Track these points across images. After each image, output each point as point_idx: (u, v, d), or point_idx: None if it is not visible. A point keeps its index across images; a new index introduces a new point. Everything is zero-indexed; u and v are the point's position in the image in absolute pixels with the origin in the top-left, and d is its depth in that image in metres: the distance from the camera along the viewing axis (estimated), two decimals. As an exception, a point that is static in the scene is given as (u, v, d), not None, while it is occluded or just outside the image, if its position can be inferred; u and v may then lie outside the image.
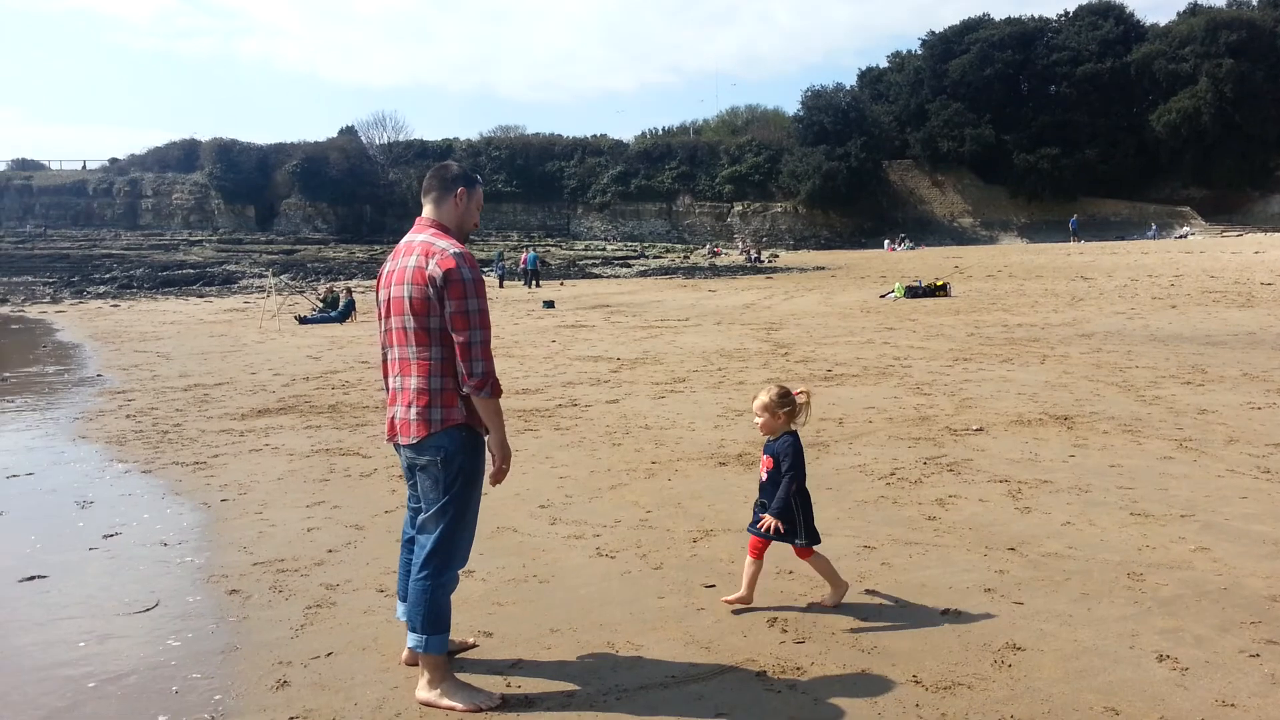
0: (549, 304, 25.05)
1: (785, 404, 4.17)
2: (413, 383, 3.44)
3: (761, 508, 4.16)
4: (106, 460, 7.89)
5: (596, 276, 42.06)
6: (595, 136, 68.72)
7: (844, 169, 58.46)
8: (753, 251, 50.77)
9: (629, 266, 47.92)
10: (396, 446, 3.57)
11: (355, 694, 3.51)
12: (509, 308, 24.81)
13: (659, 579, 4.64)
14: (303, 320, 22.35)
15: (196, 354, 16.48)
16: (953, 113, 60.01)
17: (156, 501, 6.53)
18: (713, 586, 4.46)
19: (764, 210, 62.79)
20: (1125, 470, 6.47)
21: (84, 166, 72.00)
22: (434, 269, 3.35)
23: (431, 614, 3.40)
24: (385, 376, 3.64)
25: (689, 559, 4.92)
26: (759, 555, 4.18)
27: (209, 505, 6.34)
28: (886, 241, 54.59)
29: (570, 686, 3.52)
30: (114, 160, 71.75)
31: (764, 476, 4.20)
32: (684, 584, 4.53)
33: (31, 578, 4.94)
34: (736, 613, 4.17)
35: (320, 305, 24.02)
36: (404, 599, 3.70)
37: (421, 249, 3.43)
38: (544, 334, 17.80)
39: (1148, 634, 3.85)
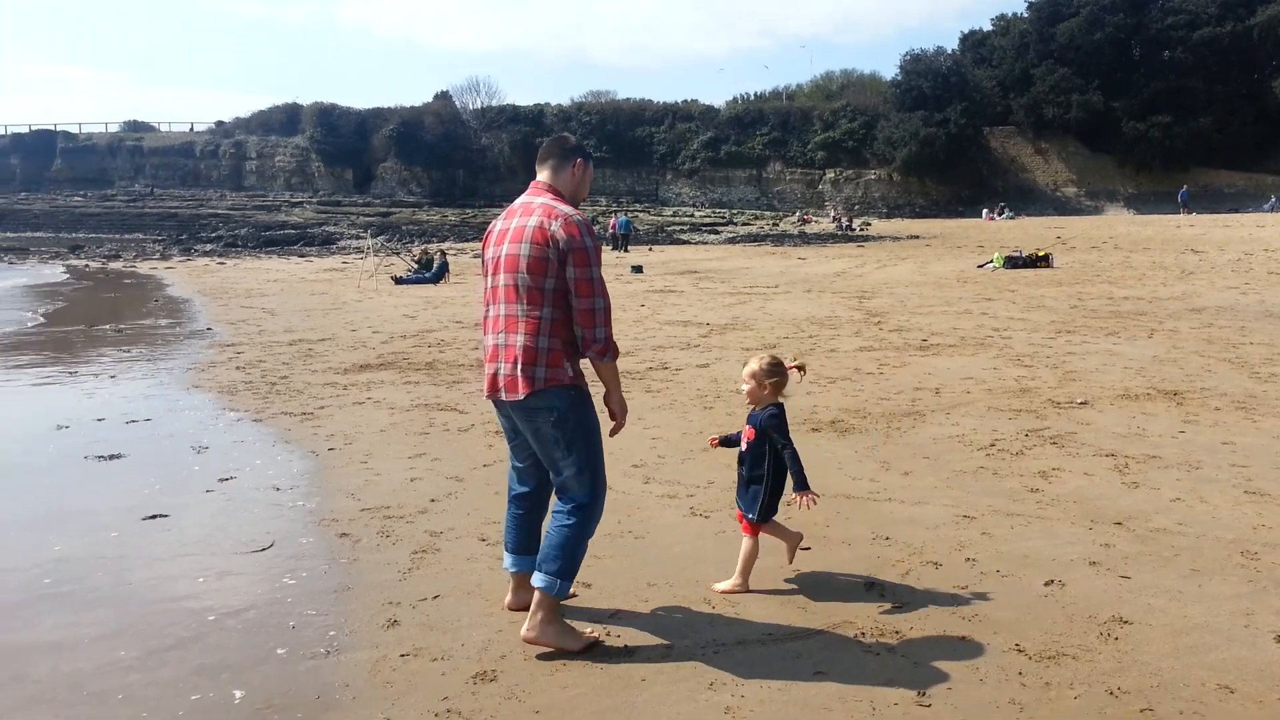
0: (637, 269, 25.10)
1: (774, 374, 4.06)
2: (519, 340, 3.46)
3: (744, 480, 4.07)
4: (219, 409, 8.26)
5: (684, 243, 41.94)
6: (686, 102, 68.19)
7: (942, 135, 56.81)
8: (844, 219, 49.89)
9: (717, 233, 47.63)
10: (497, 403, 3.60)
11: (462, 635, 3.64)
12: (598, 272, 24.91)
13: (753, 540, 4.65)
14: (399, 281, 22.87)
15: (299, 311, 17.04)
16: (1059, 78, 57.59)
17: (268, 449, 6.82)
18: (808, 549, 4.46)
19: (857, 177, 61.57)
20: (1239, 448, 6.21)
21: (191, 129, 74.62)
22: (558, 232, 3.41)
23: (570, 560, 3.53)
24: (486, 334, 3.62)
25: (783, 522, 4.90)
26: (754, 534, 4.07)
27: (317, 454, 6.59)
28: (984, 210, 52.98)
29: (668, 639, 3.58)
30: (220, 123, 74.17)
31: (743, 446, 4.09)
32: (778, 546, 4.53)
33: (153, 516, 5.23)
34: (834, 577, 4.16)
35: (415, 267, 24.53)
36: (514, 550, 3.79)
37: (543, 211, 3.48)
38: (633, 298, 17.86)
39: (1264, 613, 3.71)
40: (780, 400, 4.10)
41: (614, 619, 3.77)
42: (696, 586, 4.08)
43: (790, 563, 4.24)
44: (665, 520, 4.94)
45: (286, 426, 7.48)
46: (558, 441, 3.51)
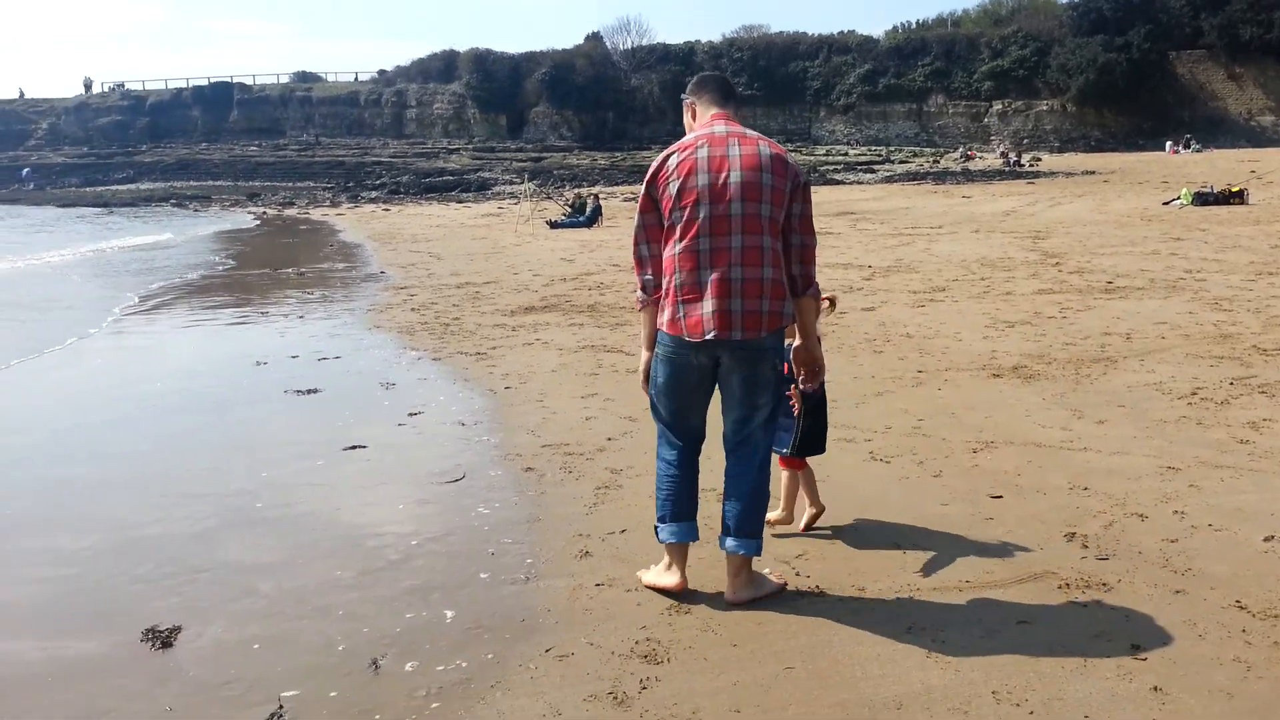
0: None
1: None
2: (768, 274, 3.26)
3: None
4: (400, 348, 8.67)
5: (838, 183, 40.82)
6: (842, 33, 65.64)
7: (1123, 61, 52.69)
8: (1011, 155, 47.24)
9: (873, 172, 46.09)
10: (705, 344, 3.27)
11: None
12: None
13: (939, 487, 4.54)
14: (553, 225, 23.26)
15: (463, 255, 17.60)
16: (1260, -8, 52.29)
17: (449, 386, 7.12)
18: (999, 498, 4.32)
19: (1027, 109, 58.04)
20: None
21: (356, 79, 77.49)
22: (795, 164, 3.38)
23: (762, 519, 3.48)
24: (695, 269, 3.26)
25: (969, 469, 4.78)
26: (792, 467, 4.02)
27: (494, 391, 6.84)
28: (1168, 143, 49.07)
29: (859, 582, 3.55)
30: (382, 72, 76.67)
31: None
32: (968, 493, 4.41)
33: (352, 447, 5.55)
34: (1030, 526, 4.02)
35: (569, 211, 24.87)
36: (691, 517, 3.49)
37: (768, 142, 3.41)
38: (790, 240, 17.56)
39: None
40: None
41: (800, 559, 3.77)
42: (883, 531, 4.02)
43: (803, 530, 4.02)
44: (845, 463, 4.87)
45: (464, 365, 7.78)
46: (769, 385, 3.38)
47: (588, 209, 23.87)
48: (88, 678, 3.08)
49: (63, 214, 39.45)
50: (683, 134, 3.55)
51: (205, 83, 74.43)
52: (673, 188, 3.31)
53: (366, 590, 3.65)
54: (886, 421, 5.60)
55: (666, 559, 3.51)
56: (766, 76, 62.82)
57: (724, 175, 3.27)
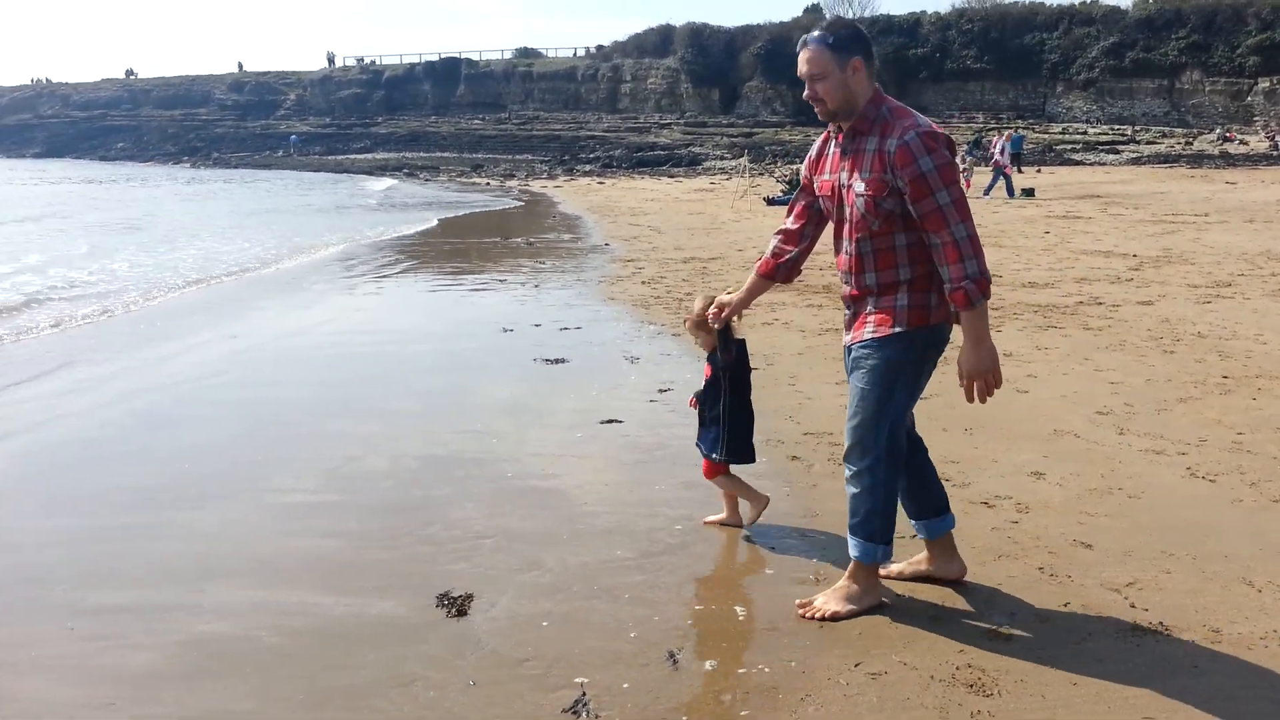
0: (1029, 192, 23.05)
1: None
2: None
3: (701, 420, 3.91)
4: (638, 321, 8.63)
5: (1077, 163, 38.06)
6: (1085, 3, 60.82)
7: None
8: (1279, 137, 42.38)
9: (1116, 153, 42.61)
10: (941, 329, 3.10)
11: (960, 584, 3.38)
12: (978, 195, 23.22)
13: (1282, 514, 3.93)
14: (770, 201, 22.85)
15: (683, 229, 17.56)
16: None
17: (694, 364, 6.94)
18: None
19: (1298, 87, 51.78)
20: None
21: (575, 54, 79.42)
22: None
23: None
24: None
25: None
26: (713, 476, 3.90)
27: (743, 372, 6.62)
28: None
29: (1210, 620, 3.07)
30: (600, 47, 78.14)
31: (703, 386, 3.94)
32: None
33: (609, 421, 5.49)
34: None
35: (785, 187, 24.38)
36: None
37: None
38: (1032, 224, 16.38)
39: None
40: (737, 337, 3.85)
41: (1131, 587, 3.32)
42: (1227, 563, 3.49)
43: (746, 525, 3.88)
44: (1161, 480, 4.33)
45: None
46: None
47: (806, 186, 23.29)
48: (390, 640, 3.10)
49: (352, 191, 35.92)
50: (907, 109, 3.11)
51: (436, 58, 78.32)
52: None
53: (651, 575, 3.52)
54: (1200, 433, 4.95)
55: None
56: (998, 49, 59.08)
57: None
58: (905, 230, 3.02)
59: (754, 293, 3.66)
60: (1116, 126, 53.14)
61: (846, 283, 3.23)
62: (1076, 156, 40.88)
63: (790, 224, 3.49)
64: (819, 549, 3.71)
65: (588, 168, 47.38)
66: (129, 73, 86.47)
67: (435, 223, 21.59)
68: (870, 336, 3.09)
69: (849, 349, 3.20)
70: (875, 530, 3.14)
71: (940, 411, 5.34)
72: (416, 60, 79.24)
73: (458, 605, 3.27)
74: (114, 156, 70.53)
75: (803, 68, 3.08)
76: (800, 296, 9.65)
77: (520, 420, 5.61)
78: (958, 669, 2.83)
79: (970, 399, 3.03)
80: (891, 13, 66.32)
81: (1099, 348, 6.98)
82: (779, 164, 42.30)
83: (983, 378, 2.98)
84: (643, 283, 10.96)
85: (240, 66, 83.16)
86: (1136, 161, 37.67)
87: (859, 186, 3.07)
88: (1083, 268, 11.01)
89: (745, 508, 3.95)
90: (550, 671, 2.88)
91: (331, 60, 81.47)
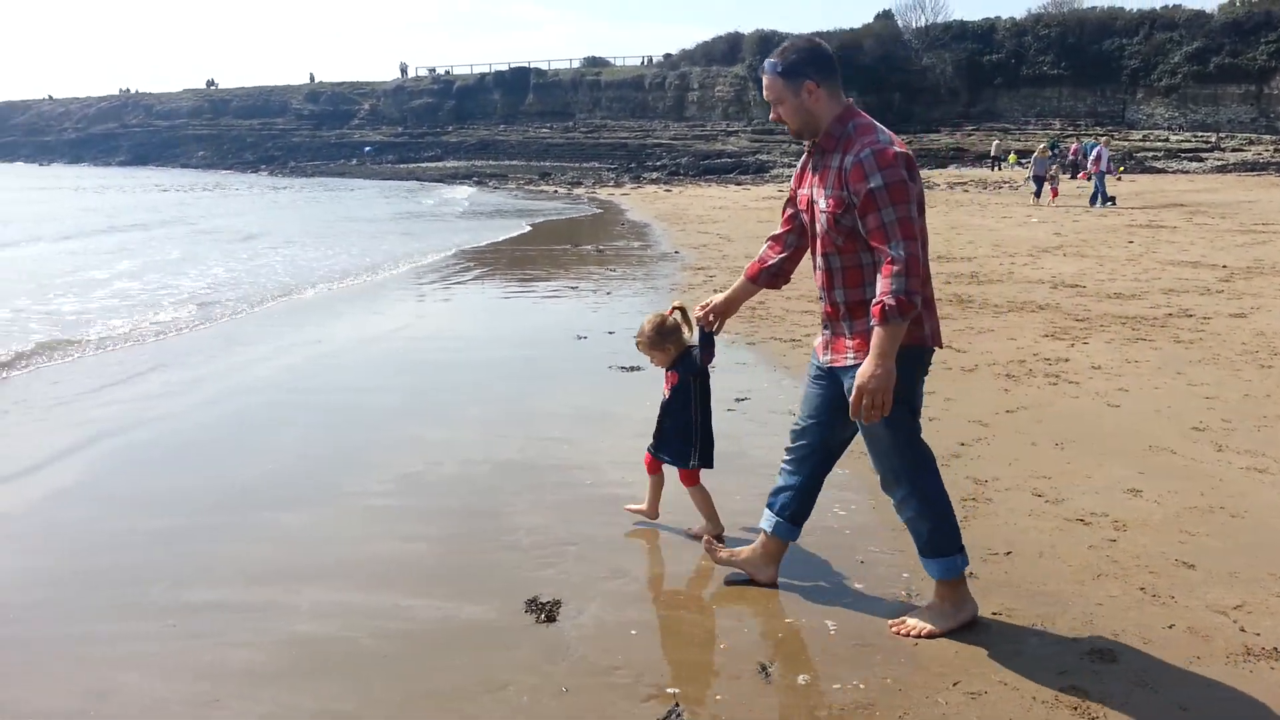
0: (1110, 200, 22.45)
1: (667, 335, 3.98)
2: None
3: (660, 431, 3.95)
4: (712, 329, 8.58)
5: (1159, 171, 36.99)
6: (1168, 8, 59.04)
7: None
8: (1374, 143, 40.63)
9: (1200, 160, 41.33)
10: (914, 351, 3.04)
11: (1062, 603, 3.29)
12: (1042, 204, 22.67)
13: (1402, 539, 3.75)
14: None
15: (752, 238, 17.45)
16: None
17: (769, 373, 6.93)
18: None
19: (1397, 91, 49.58)
20: None
21: (643, 63, 79.75)
22: None
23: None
24: (929, 279, 3.06)
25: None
26: (658, 472, 4.01)
27: (820, 382, 6.55)
28: None
29: (1329, 650, 2.94)
30: (667, 55, 78.38)
31: (666, 394, 4.00)
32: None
33: (687, 429, 5.47)
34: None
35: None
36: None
37: None
38: (1115, 233, 15.94)
39: None
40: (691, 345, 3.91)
41: (1239, 609, 3.20)
42: (1343, 589, 3.34)
43: (700, 538, 3.81)
44: (1265, 499, 4.16)
45: (780, 352, 7.57)
46: None
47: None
48: (480, 645, 3.12)
49: (437, 201, 34.42)
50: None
51: (505, 68, 79.38)
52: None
53: (736, 586, 3.50)
54: (1304, 452, 4.76)
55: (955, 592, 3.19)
56: (1076, 55, 57.74)
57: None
58: (871, 249, 2.98)
59: (739, 295, 3.70)
60: (1200, 134, 51.47)
61: (822, 298, 3.25)
62: (1158, 164, 39.73)
63: (778, 230, 3.54)
64: (909, 563, 3.64)
65: (654, 175, 47.51)
66: (210, 83, 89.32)
67: (528, 228, 21.86)
68: (852, 364, 3.06)
69: (830, 369, 3.25)
70: (943, 544, 3.13)
71: (1028, 425, 5.23)
72: (487, 70, 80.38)
73: (546, 611, 3.29)
74: (195, 164, 72.93)
75: (765, 94, 3.15)
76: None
77: (596, 427, 5.64)
78: (1060, 690, 2.75)
79: (855, 413, 2.95)
80: (965, 18, 65.23)
81: (1191, 361, 6.75)
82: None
83: (872, 396, 2.88)
84: (714, 290, 10.87)
85: (312, 77, 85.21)
86: (1222, 169, 36.46)
87: (822, 203, 3.10)
88: (1170, 278, 10.67)
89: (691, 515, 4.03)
90: (640, 680, 2.87)
91: (404, 70, 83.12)
